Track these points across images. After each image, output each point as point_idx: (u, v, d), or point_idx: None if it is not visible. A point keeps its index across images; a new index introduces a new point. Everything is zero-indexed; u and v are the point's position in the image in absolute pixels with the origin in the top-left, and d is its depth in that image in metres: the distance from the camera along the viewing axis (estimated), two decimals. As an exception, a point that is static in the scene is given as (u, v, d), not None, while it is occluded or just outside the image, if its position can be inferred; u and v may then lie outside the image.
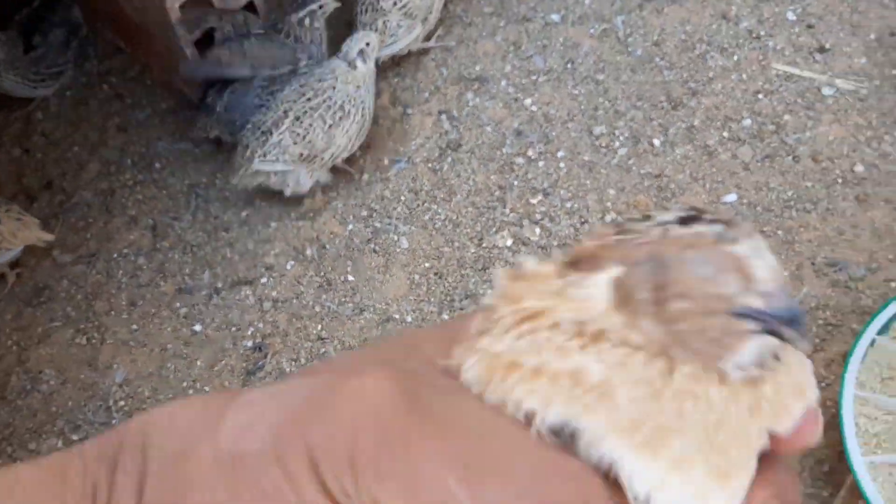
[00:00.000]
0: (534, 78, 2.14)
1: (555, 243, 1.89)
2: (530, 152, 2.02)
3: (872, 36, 2.10)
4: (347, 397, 0.32)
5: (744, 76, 2.07)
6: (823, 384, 1.66)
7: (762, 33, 2.14)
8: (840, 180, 1.89)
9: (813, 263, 1.80)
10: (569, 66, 2.16)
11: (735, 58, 2.10)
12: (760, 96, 2.03)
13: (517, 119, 2.09)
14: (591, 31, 2.20)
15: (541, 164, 2.00)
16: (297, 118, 1.86)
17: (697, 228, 0.37)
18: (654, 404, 0.35)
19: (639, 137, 2.01)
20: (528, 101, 2.11)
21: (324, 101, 1.87)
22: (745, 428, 0.37)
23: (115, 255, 2.02)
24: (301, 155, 1.87)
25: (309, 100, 1.87)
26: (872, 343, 1.53)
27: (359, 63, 1.90)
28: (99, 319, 1.92)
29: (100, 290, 1.97)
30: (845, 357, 1.68)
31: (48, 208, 2.13)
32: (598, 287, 0.36)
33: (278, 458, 0.32)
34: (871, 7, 2.14)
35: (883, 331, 1.53)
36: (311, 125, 1.85)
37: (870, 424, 1.48)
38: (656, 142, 1.99)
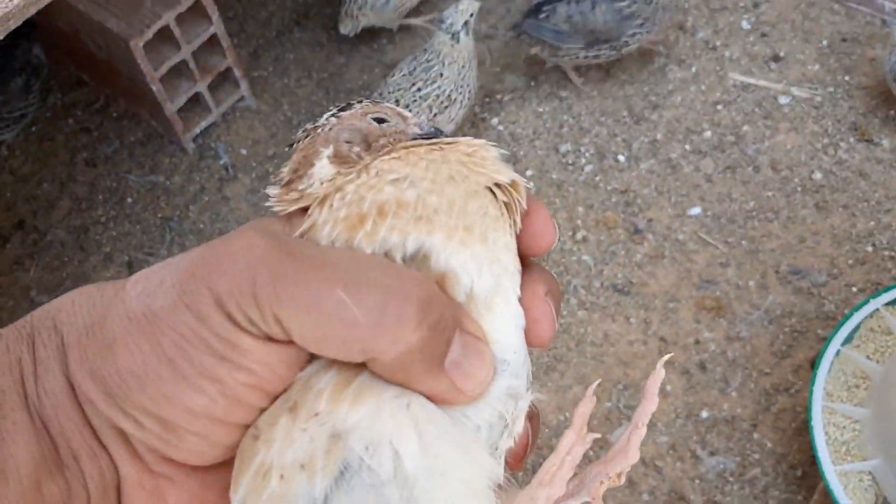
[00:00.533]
0: (498, 97, 2.18)
1: (528, 263, 1.93)
2: (499, 172, 2.06)
3: (825, 42, 2.16)
4: (237, 250, 0.40)
5: (702, 87, 2.13)
6: (792, 390, 1.74)
7: (718, 43, 2.20)
8: (799, 188, 1.96)
9: (777, 272, 1.86)
10: (532, 83, 2.20)
11: (693, 69, 2.15)
12: (719, 107, 2.09)
13: (484, 139, 2.12)
14: (553, 46, 2.24)
15: (510, 183, 2.04)
16: (407, 107, 1.90)
17: (354, 109, 0.52)
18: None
19: (604, 153, 2.06)
20: (494, 121, 2.15)
21: (433, 91, 1.91)
22: (472, 187, 0.47)
23: (93, 294, 2.02)
24: None
25: (418, 90, 1.92)
26: (837, 353, 1.59)
27: (462, 36, 1.91)
28: (81, 361, 1.93)
29: (79, 331, 1.97)
30: (812, 362, 1.76)
31: (21, 248, 2.12)
32: (322, 170, 0.48)
33: (187, 306, 0.39)
34: (821, 14, 2.20)
35: (847, 340, 1.60)
36: (417, 115, 1.89)
37: (839, 433, 1.55)
38: (621, 157, 2.04)
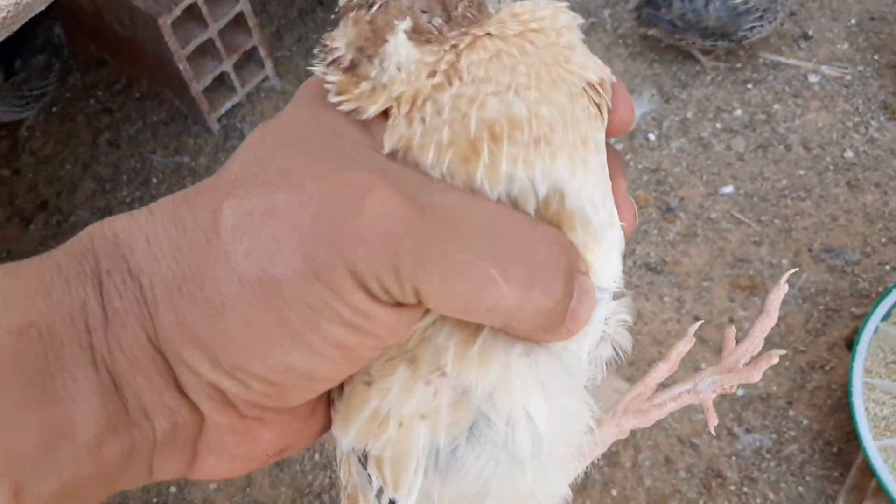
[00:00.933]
0: (526, 76, 2.16)
1: (559, 242, 1.92)
2: (528, 151, 2.05)
3: (853, 21, 2.15)
4: (374, 213, 0.36)
5: (735, 65, 2.12)
6: (828, 367, 1.73)
7: (747, 22, 2.19)
8: (831, 167, 1.95)
9: (810, 250, 1.86)
10: (560, 62, 2.18)
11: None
12: (749, 86, 2.08)
13: (513, 118, 2.11)
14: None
15: (539, 162, 2.03)
16: None
17: None
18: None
19: (634, 132, 2.05)
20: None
21: None
22: (573, 88, 0.42)
23: (120, 275, 2.00)
24: None
25: None
26: (875, 330, 1.59)
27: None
28: (110, 341, 1.92)
29: (107, 312, 1.96)
30: (847, 340, 1.75)
31: (45, 230, 2.10)
32: (399, 50, 0.41)
33: (317, 276, 0.35)
34: (850, -8, 2.19)
35: (885, 317, 1.60)
36: None
37: (878, 409, 1.55)
38: (651, 136, 2.03)
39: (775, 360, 0.53)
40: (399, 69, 0.40)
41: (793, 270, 0.61)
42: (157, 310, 0.37)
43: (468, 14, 0.42)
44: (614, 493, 1.64)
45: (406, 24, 0.40)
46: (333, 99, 0.40)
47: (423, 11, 0.41)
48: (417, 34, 0.40)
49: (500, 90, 0.40)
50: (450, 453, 0.43)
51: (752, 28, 1.95)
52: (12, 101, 2.11)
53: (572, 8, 0.45)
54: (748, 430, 1.69)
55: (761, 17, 1.94)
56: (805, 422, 1.69)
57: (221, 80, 2.12)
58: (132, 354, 0.37)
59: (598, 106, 0.42)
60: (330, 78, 0.41)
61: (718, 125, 2.03)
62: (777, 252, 1.86)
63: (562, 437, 0.44)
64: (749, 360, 0.56)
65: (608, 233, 0.43)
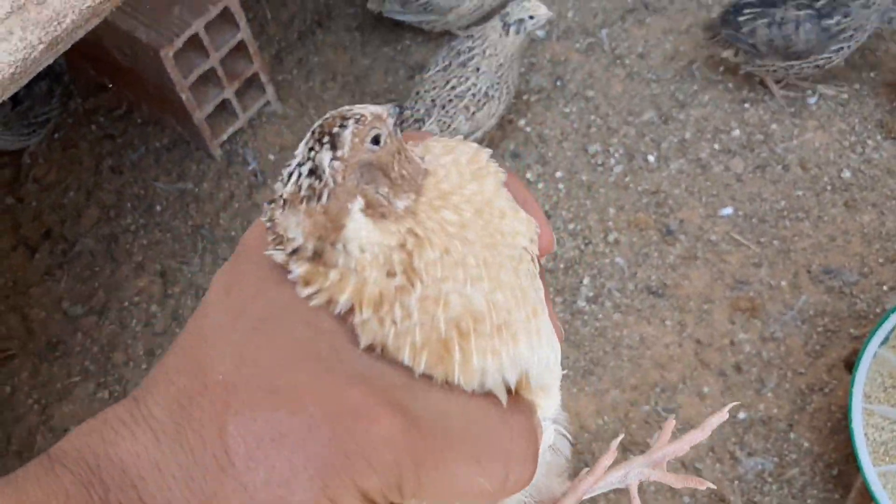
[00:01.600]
0: (525, 98, 2.18)
1: (561, 266, 1.95)
2: (529, 174, 2.07)
3: (849, 38, 2.17)
4: (379, 440, 0.39)
5: (729, 85, 2.14)
6: (827, 389, 1.76)
7: (743, 40, 2.20)
8: (829, 187, 1.97)
9: (808, 271, 1.88)
10: (558, 83, 2.20)
11: (720, 67, 2.15)
12: (747, 105, 2.10)
13: (512, 141, 2.13)
14: (577, 45, 2.24)
15: (540, 185, 2.05)
16: (443, 107, 1.90)
17: (345, 137, 0.43)
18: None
19: (633, 154, 2.07)
20: (521, 122, 2.15)
21: (468, 90, 1.90)
22: (514, 253, 0.47)
23: (127, 304, 2.03)
24: None
25: (453, 87, 1.91)
26: (874, 354, 1.62)
27: (511, 31, 1.88)
28: (119, 371, 1.94)
29: (115, 341, 1.98)
30: (846, 362, 1.78)
31: (50, 258, 2.12)
32: (360, 231, 0.42)
33: (331, 501, 0.38)
34: (846, 9, 2.20)
35: (884, 342, 1.62)
36: (455, 114, 1.89)
37: (877, 434, 1.58)
38: (650, 157, 2.05)
39: (697, 441, 0.62)
40: (363, 250, 0.42)
41: (734, 404, 0.71)
42: None
43: (404, 173, 0.44)
44: (619, 518, 1.67)
45: (359, 203, 0.42)
46: (304, 291, 0.42)
47: (368, 184, 0.42)
48: (372, 209, 0.42)
49: (457, 286, 0.43)
50: None
51: (839, 50, 1.91)
52: (19, 129, 2.12)
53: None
54: (750, 454, 1.72)
55: (850, 37, 1.90)
56: (806, 444, 1.72)
57: (223, 107, 2.13)
58: None
59: (533, 259, 0.47)
60: (295, 268, 0.42)
61: (717, 146, 2.05)
62: (776, 273, 1.89)
63: None
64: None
65: (556, 381, 0.51)
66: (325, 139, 0.43)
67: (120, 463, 0.38)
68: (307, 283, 0.42)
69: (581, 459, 1.71)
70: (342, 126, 0.43)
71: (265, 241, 0.43)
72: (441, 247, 0.43)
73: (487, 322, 0.43)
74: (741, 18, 1.95)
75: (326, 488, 0.38)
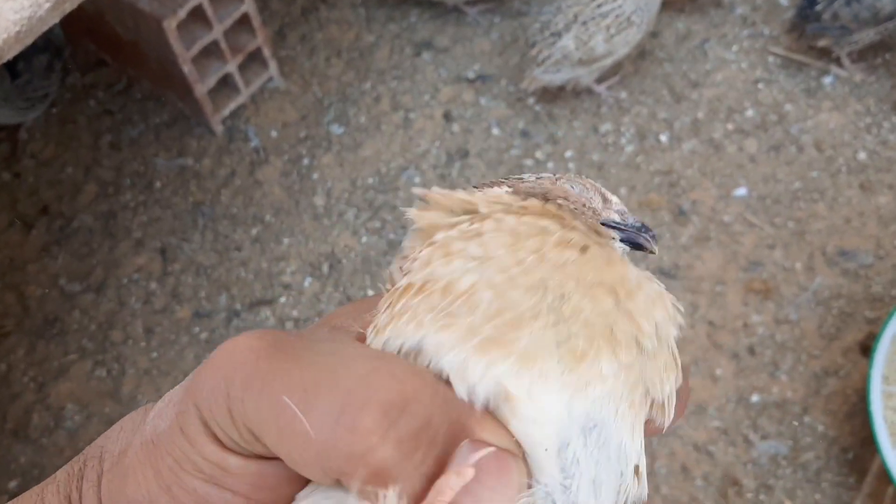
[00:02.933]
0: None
1: (571, 246, 1.90)
2: (538, 154, 2.03)
3: (864, 19, 2.13)
4: (220, 354, 0.35)
5: (743, 66, 2.10)
6: (842, 373, 1.73)
7: (757, 20, 2.16)
8: (844, 168, 1.94)
9: (824, 253, 1.85)
10: (568, 61, 2.15)
11: (733, 47, 2.12)
12: (760, 86, 2.06)
13: (522, 119, 2.08)
14: (587, 23, 2.20)
15: (549, 165, 2.01)
16: (584, 23, 1.87)
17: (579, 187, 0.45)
18: (523, 282, 0.38)
19: (645, 133, 2.03)
20: (530, 101, 2.11)
21: (612, 10, 1.87)
22: (609, 308, 0.38)
23: (125, 281, 1.98)
24: (580, 60, 1.90)
25: (599, 6, 1.88)
26: (893, 337, 1.58)
27: None
28: (116, 349, 1.89)
29: (113, 319, 1.93)
30: (861, 345, 1.75)
31: (48, 235, 2.07)
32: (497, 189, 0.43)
33: (181, 428, 0.36)
34: (861, -11, 2.17)
35: (902, 324, 1.59)
36: (594, 33, 1.86)
37: (895, 417, 1.55)
38: (663, 137, 2.01)
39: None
40: None
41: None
42: (102, 483, 0.39)
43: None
44: (631, 501, 1.63)
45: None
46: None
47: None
48: None
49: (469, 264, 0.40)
50: None
51: None
52: (18, 102, 2.07)
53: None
54: (764, 437, 1.68)
55: None
56: (820, 428, 1.69)
57: (225, 82, 2.09)
58: None
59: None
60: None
61: (730, 126, 2.01)
62: (791, 255, 1.85)
63: None
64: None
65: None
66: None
67: (103, 436, 0.42)
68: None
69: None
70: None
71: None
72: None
73: (448, 299, 0.37)
74: (817, 8, 1.93)
75: (179, 415, 0.37)
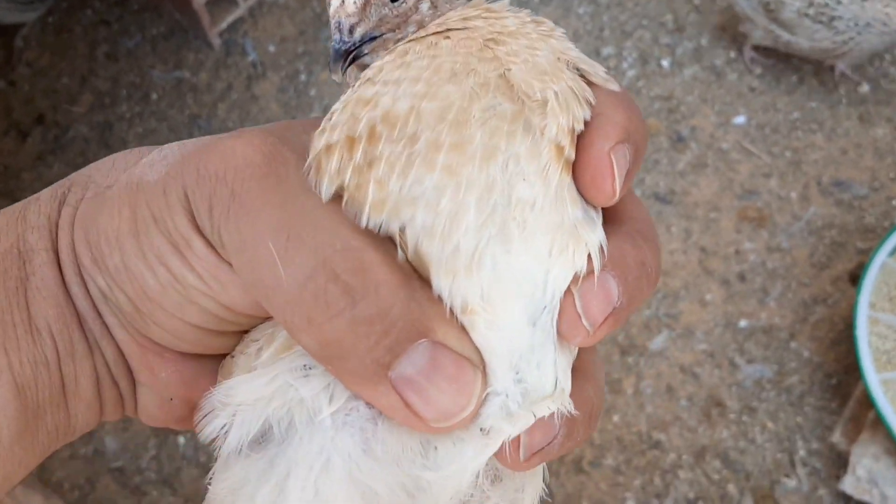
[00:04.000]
0: (537, -3, 2.11)
1: (567, 169, 1.90)
2: (538, 76, 2.01)
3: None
4: (219, 151, 0.37)
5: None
6: (830, 301, 1.75)
7: (766, -53, 2.12)
8: (844, 100, 1.92)
9: (819, 183, 1.85)
10: (572, -17, 2.12)
11: (740, -26, 2.08)
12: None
13: (523, 41, 2.06)
14: (593, -55, 2.16)
15: (549, 87, 1.99)
16: None
17: None
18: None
19: (647, 58, 2.01)
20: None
21: None
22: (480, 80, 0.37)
23: (121, 192, 1.97)
24: None
25: None
26: (882, 264, 1.60)
27: None
28: (112, 259, 1.90)
29: (109, 229, 1.93)
30: (851, 275, 1.76)
31: (42, 144, 2.06)
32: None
33: (165, 189, 0.38)
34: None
35: (892, 252, 1.60)
36: None
37: (880, 342, 1.57)
38: (664, 63, 1.99)
39: None
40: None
41: None
42: (79, 208, 0.40)
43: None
44: (616, 418, 1.67)
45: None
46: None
47: None
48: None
49: (392, 89, 0.38)
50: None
51: None
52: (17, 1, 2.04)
53: None
54: (749, 361, 1.71)
55: None
56: (806, 354, 1.71)
57: (223, -7, 2.05)
58: (68, 257, 0.40)
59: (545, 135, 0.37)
60: None
61: (732, 54, 1.99)
62: (786, 185, 1.85)
63: None
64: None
65: (505, 287, 0.36)
66: None
67: (92, 165, 0.42)
68: None
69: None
70: None
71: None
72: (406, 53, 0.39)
73: (398, 128, 0.36)
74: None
75: (168, 177, 0.38)
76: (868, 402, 1.57)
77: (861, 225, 1.81)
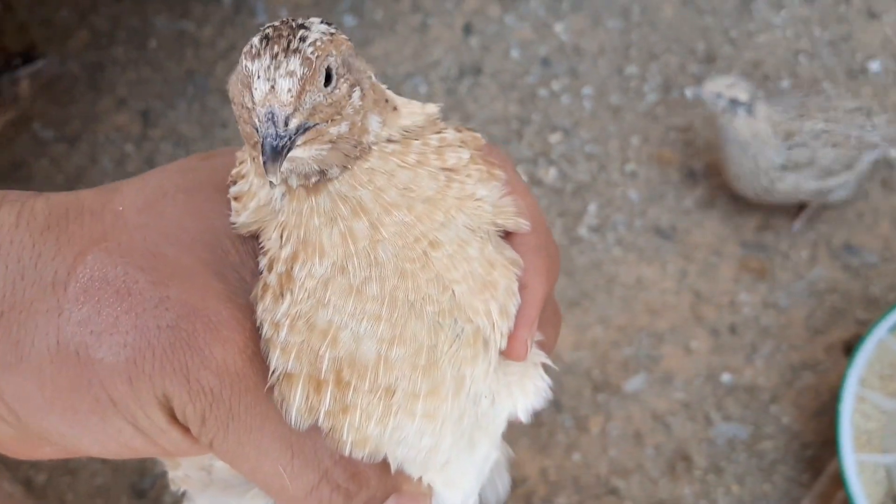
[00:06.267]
0: (566, 2, 2.00)
1: (569, 188, 1.81)
2: (555, 85, 1.91)
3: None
4: (200, 355, 0.36)
5: (787, 33, 1.96)
6: (819, 368, 1.66)
7: (813, -13, 2.02)
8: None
9: (828, 244, 1.76)
10: (606, -6, 2.02)
11: (782, 12, 1.98)
12: (801, 58, 1.94)
13: (545, 46, 1.96)
14: (634, -42, 2.05)
15: (564, 98, 1.90)
16: None
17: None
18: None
19: (671, 85, 1.91)
20: (558, 28, 1.98)
21: None
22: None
23: (101, 139, 1.88)
24: None
25: None
26: (878, 339, 1.51)
27: None
28: (81, 207, 1.81)
29: (82, 174, 1.85)
30: (846, 344, 1.67)
31: (28, 75, 1.96)
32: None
33: (130, 379, 0.36)
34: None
35: (892, 329, 1.51)
36: None
37: (864, 421, 1.48)
38: (688, 92, 1.89)
39: None
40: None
41: None
42: None
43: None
44: (576, 457, 1.58)
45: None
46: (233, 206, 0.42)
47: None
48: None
49: (347, 321, 0.41)
50: None
51: None
52: None
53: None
54: (725, 419, 1.62)
55: None
56: (785, 420, 1.62)
57: (241, -53, 1.95)
58: None
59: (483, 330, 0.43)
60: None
61: (761, 93, 1.89)
62: (795, 241, 1.76)
63: None
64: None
65: (463, 475, 0.49)
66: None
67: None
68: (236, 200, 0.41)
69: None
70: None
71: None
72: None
73: (369, 380, 0.39)
74: None
75: (134, 367, 0.36)
76: (840, 481, 1.48)
77: (865, 294, 1.72)
